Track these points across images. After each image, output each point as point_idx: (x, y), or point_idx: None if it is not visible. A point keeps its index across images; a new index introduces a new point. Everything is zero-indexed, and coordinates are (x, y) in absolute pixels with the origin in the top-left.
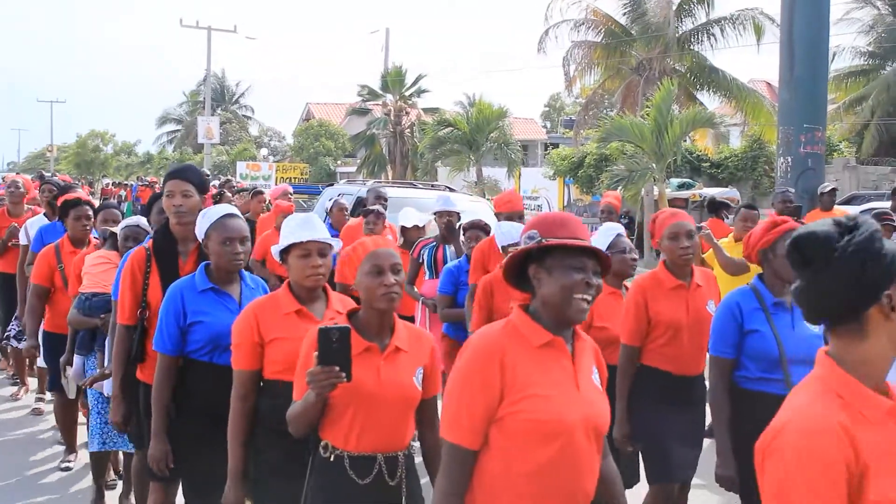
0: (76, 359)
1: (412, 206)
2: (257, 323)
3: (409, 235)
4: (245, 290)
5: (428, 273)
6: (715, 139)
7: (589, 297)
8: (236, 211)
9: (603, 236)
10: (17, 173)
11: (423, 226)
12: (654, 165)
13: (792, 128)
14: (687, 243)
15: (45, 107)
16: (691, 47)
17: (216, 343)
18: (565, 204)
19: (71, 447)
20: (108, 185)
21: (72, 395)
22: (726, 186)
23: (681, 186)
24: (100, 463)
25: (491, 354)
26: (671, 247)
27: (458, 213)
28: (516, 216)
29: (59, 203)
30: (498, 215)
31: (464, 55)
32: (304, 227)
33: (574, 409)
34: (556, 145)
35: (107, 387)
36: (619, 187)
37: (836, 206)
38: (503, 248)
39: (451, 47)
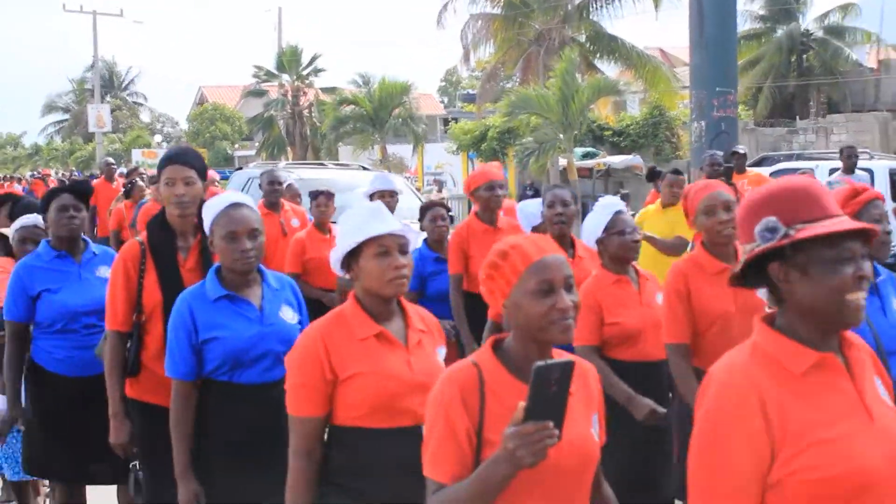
0: None
1: (326, 187)
2: (327, 354)
3: None
4: (267, 294)
5: None
6: (615, 107)
7: (864, 295)
8: (244, 198)
9: (600, 214)
10: None
11: None
12: (561, 136)
13: (704, 91)
14: (726, 216)
15: None
16: (589, 16)
17: (237, 360)
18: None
19: None
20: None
21: None
22: (629, 154)
23: (585, 156)
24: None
25: (746, 396)
26: (709, 223)
27: (397, 193)
28: (497, 185)
29: None
30: (476, 191)
31: (358, 31)
32: (377, 217)
33: (875, 448)
34: (455, 120)
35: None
36: (528, 160)
37: (748, 169)
38: (533, 228)
39: (345, 24)
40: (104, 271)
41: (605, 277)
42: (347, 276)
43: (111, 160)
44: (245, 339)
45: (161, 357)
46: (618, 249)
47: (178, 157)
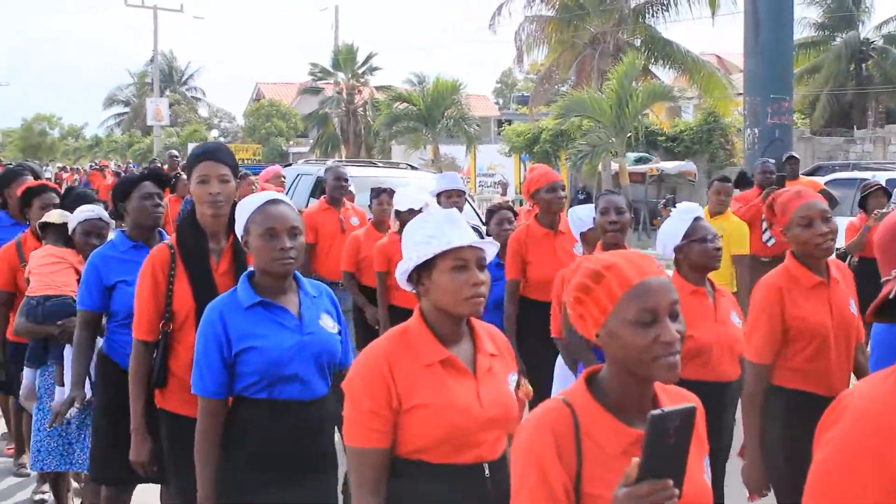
0: (27, 372)
1: (387, 185)
2: (393, 379)
3: (405, 220)
4: (305, 301)
5: None
6: (669, 113)
7: None
8: (283, 196)
9: (679, 220)
10: None
11: (420, 208)
12: (613, 140)
13: (758, 98)
14: (825, 228)
15: None
16: (645, 20)
17: (275, 374)
18: (521, 181)
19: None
20: (62, 169)
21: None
22: (682, 160)
23: (638, 161)
24: (54, 485)
25: (887, 432)
26: (806, 236)
27: (465, 193)
28: (559, 186)
29: (19, 192)
30: (537, 193)
31: (415, 32)
32: (454, 225)
33: None
34: (509, 122)
35: (57, 394)
36: (581, 163)
37: (801, 176)
38: (582, 234)
39: (402, 24)
40: None
41: (680, 287)
42: (415, 291)
43: (175, 152)
44: (284, 350)
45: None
46: (699, 258)
47: (212, 154)
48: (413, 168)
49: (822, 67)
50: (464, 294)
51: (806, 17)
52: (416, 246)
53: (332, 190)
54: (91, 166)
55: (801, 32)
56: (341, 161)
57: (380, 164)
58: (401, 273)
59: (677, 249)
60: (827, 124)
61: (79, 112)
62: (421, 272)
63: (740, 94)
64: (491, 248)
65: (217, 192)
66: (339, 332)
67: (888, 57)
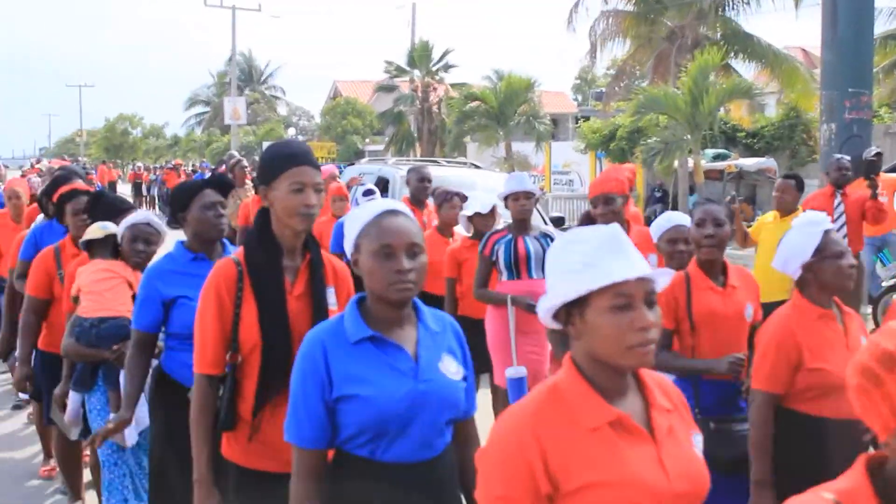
0: (72, 396)
1: (442, 185)
2: (543, 455)
3: (477, 226)
4: (424, 338)
5: (506, 273)
6: (750, 108)
7: None
8: (400, 205)
9: (808, 234)
10: (48, 160)
11: (488, 212)
12: (688, 136)
13: (836, 92)
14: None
15: (74, 91)
16: (724, 13)
17: (382, 428)
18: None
19: (76, 494)
20: (139, 168)
21: (73, 436)
22: (763, 157)
23: (716, 158)
24: None
25: None
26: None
27: (536, 195)
28: (606, 199)
29: (54, 198)
30: (595, 199)
31: (493, 28)
32: (617, 251)
33: None
34: (587, 118)
35: (129, 436)
36: (653, 160)
37: (882, 174)
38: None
39: (480, 20)
40: None
41: (807, 311)
42: (559, 330)
43: (235, 154)
44: (395, 401)
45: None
46: (833, 278)
47: (306, 157)
48: (476, 167)
49: None
50: (629, 341)
51: (892, 8)
52: (564, 275)
53: (416, 192)
54: (164, 165)
55: (887, 24)
56: (401, 159)
57: (443, 163)
58: (544, 311)
59: (805, 267)
60: None
61: (160, 111)
62: (571, 309)
63: None
64: (663, 278)
65: (314, 204)
66: (465, 378)
67: None
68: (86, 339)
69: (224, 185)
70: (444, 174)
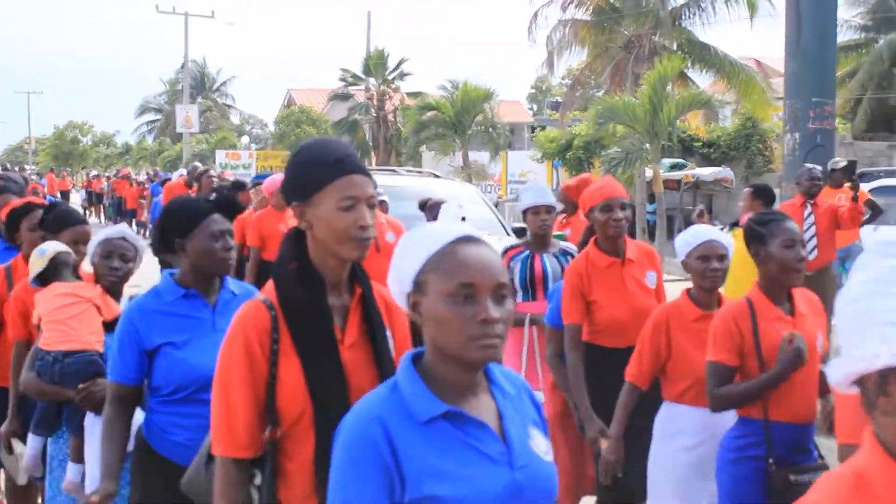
0: (32, 440)
1: (398, 196)
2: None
3: None
4: (506, 407)
5: (521, 294)
6: (706, 118)
7: None
8: (472, 230)
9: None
10: None
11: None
12: (647, 146)
13: (800, 102)
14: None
15: (23, 98)
16: (681, 23)
17: None
18: (554, 187)
19: None
20: (94, 176)
21: (22, 481)
22: (719, 166)
23: (673, 167)
24: None
25: None
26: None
27: (555, 209)
28: (617, 204)
29: (3, 215)
30: (590, 212)
31: (448, 38)
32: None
33: None
34: (543, 127)
35: (71, 472)
36: (615, 170)
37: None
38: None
39: (436, 30)
40: None
41: (762, 306)
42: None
43: (199, 164)
44: (492, 498)
45: (312, 499)
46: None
47: (355, 162)
48: (436, 176)
49: (863, 70)
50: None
51: (847, 19)
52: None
53: None
54: (116, 174)
55: (843, 35)
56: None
57: (402, 173)
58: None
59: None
60: (868, 129)
61: (111, 120)
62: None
63: (780, 98)
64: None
65: (369, 225)
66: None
67: None
68: (48, 375)
69: (234, 209)
70: (403, 184)
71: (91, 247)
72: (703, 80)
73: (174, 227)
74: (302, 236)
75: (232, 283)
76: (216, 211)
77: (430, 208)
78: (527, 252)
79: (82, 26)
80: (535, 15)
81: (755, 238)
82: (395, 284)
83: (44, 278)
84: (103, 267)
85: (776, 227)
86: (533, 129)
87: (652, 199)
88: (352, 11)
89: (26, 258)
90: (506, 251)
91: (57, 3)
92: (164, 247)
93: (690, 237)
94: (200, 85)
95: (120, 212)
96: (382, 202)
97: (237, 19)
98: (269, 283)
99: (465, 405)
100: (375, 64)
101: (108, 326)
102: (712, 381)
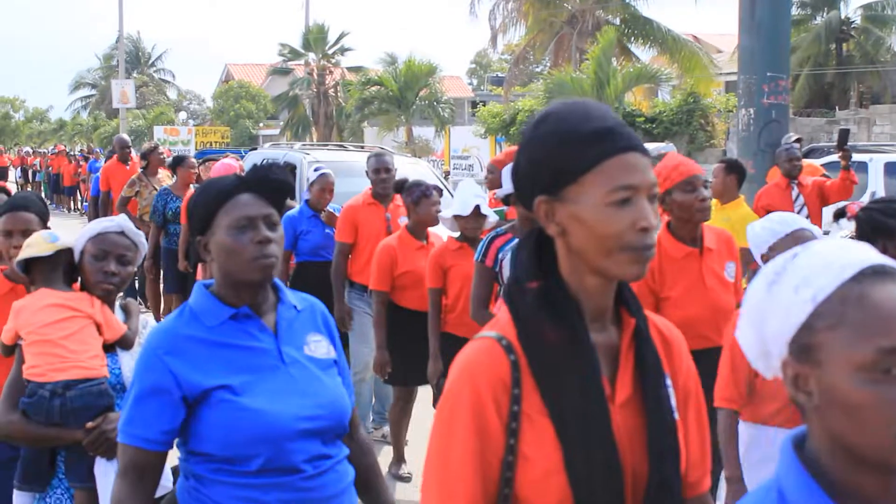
0: (19, 498)
1: (350, 172)
2: None
3: (466, 228)
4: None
5: None
6: (648, 93)
7: None
8: (886, 260)
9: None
10: None
11: (469, 214)
12: None
13: (754, 77)
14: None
15: None
16: None
17: None
18: None
19: None
20: (27, 153)
21: None
22: (662, 141)
23: None
24: None
25: None
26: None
27: (486, 216)
28: (700, 181)
29: None
30: (668, 193)
31: (387, 11)
32: None
33: None
34: (484, 103)
35: None
36: None
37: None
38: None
39: (375, 3)
40: (322, 346)
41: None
42: None
43: (125, 138)
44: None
45: None
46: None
47: (632, 137)
48: (387, 152)
49: (802, 47)
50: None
51: None
52: None
53: (375, 184)
54: (52, 151)
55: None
56: (307, 144)
57: (350, 148)
58: None
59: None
60: (807, 105)
61: (44, 95)
62: None
63: (721, 73)
64: None
65: (654, 227)
66: None
67: (869, 37)
68: (43, 414)
69: (274, 189)
70: (353, 159)
71: (79, 242)
72: (645, 55)
73: (196, 225)
74: (547, 244)
75: (289, 293)
76: (245, 190)
77: (408, 190)
78: (515, 240)
79: None
80: None
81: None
82: (752, 340)
83: (29, 271)
84: (96, 271)
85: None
86: (474, 104)
87: None
88: None
89: None
90: (491, 240)
91: None
92: (193, 256)
93: (777, 226)
94: (136, 60)
95: (57, 189)
96: (322, 186)
97: None
98: (502, 315)
99: None
100: (315, 38)
101: (106, 349)
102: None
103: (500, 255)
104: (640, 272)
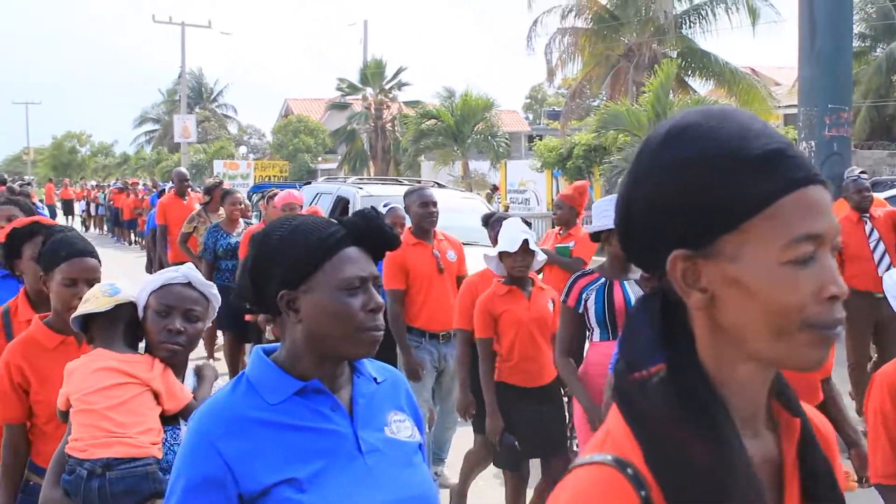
0: None
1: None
2: None
3: (514, 266)
4: None
5: (599, 331)
6: None
7: None
8: None
9: None
10: None
11: (517, 250)
12: None
13: (815, 108)
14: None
15: (21, 108)
16: (681, 31)
17: None
18: (553, 197)
19: None
20: (92, 187)
21: None
22: None
23: None
24: None
25: None
26: None
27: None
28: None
29: (2, 236)
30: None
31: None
32: None
33: None
34: (540, 137)
35: None
36: (616, 178)
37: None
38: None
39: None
40: (406, 427)
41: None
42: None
43: (184, 171)
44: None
45: None
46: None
47: (810, 166)
48: (440, 186)
49: (863, 79)
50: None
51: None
52: None
53: (419, 219)
54: (113, 184)
55: None
56: (362, 178)
57: (404, 182)
58: None
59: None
60: (868, 137)
61: (109, 129)
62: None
63: (779, 106)
64: None
65: (843, 294)
66: None
67: None
68: (80, 494)
69: (381, 241)
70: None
71: (142, 296)
72: (703, 88)
73: (277, 271)
74: (674, 313)
75: (367, 362)
76: (352, 243)
77: (492, 224)
78: (602, 280)
79: (79, 37)
80: (535, 23)
81: None
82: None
83: (87, 329)
84: (159, 330)
85: None
86: (531, 138)
87: None
88: (348, 20)
89: (30, 297)
90: (576, 279)
91: (54, 13)
92: (261, 303)
93: None
94: (198, 95)
95: (117, 223)
96: (393, 218)
97: (234, 29)
98: (614, 423)
99: None
100: (373, 73)
101: (167, 421)
102: None
103: (583, 296)
104: (822, 359)
